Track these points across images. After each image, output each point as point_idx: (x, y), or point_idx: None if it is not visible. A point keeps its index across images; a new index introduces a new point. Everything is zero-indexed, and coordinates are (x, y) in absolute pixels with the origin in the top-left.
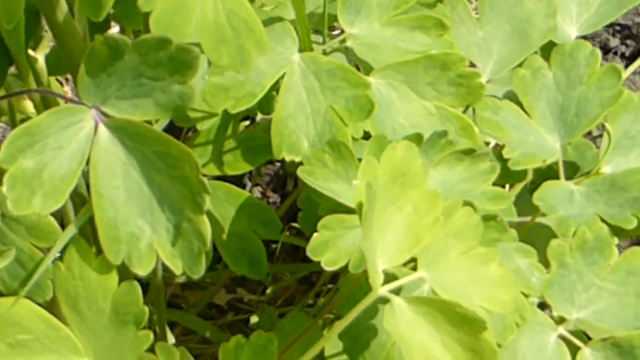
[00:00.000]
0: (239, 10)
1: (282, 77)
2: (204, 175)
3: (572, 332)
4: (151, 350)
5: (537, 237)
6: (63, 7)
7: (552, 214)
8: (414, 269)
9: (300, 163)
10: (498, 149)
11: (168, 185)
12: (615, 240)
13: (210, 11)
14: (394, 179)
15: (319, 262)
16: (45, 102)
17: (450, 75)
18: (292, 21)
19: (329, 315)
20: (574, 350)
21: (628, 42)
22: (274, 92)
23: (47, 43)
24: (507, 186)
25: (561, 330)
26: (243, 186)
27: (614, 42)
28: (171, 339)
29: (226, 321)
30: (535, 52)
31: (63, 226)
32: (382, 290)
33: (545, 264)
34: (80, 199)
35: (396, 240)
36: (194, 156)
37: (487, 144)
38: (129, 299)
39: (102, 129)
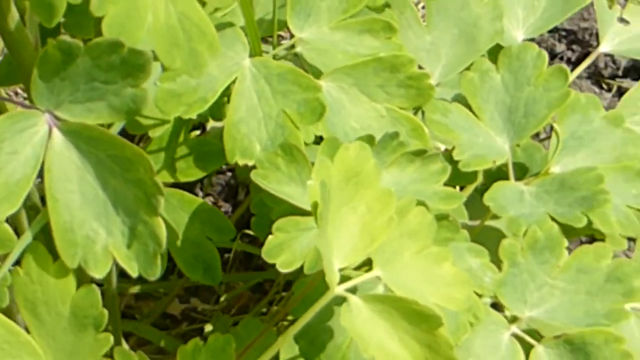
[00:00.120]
0: (191, 13)
1: (234, 82)
2: None
3: (526, 331)
4: (109, 356)
5: (487, 239)
6: (14, 15)
7: (503, 214)
8: (369, 270)
9: (253, 167)
10: (448, 152)
11: (123, 188)
12: (566, 243)
13: (163, 15)
14: (348, 179)
15: (272, 270)
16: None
17: (400, 77)
18: (243, 27)
19: (283, 322)
20: (527, 348)
21: (574, 47)
22: (225, 98)
23: None
24: (458, 188)
25: (514, 329)
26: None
27: (560, 47)
28: (126, 349)
29: (180, 331)
30: (483, 55)
31: (18, 235)
32: (339, 289)
33: (497, 266)
34: (35, 210)
35: (351, 240)
36: (148, 158)
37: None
38: (88, 302)
39: (56, 133)
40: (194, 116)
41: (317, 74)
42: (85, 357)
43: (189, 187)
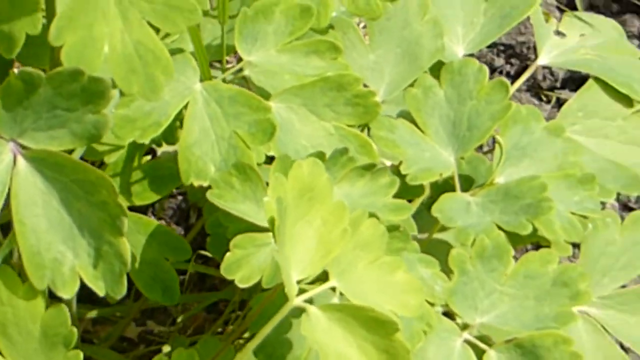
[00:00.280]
0: (146, 40)
1: (186, 106)
2: None
3: (477, 337)
4: None
5: (436, 251)
6: None
7: (451, 225)
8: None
9: (207, 189)
10: (395, 167)
11: (87, 211)
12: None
13: (119, 43)
14: (302, 194)
15: (226, 291)
16: None
17: (347, 96)
18: (192, 53)
19: (239, 340)
20: (479, 354)
21: (512, 60)
22: (178, 122)
23: None
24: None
25: (466, 335)
26: None
27: (499, 61)
28: None
29: (138, 353)
30: (426, 72)
31: None
32: (297, 300)
33: (447, 275)
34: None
35: (308, 253)
36: (111, 181)
37: None
38: (58, 321)
39: (21, 161)
40: (147, 140)
41: (266, 95)
42: None
43: (141, 211)
